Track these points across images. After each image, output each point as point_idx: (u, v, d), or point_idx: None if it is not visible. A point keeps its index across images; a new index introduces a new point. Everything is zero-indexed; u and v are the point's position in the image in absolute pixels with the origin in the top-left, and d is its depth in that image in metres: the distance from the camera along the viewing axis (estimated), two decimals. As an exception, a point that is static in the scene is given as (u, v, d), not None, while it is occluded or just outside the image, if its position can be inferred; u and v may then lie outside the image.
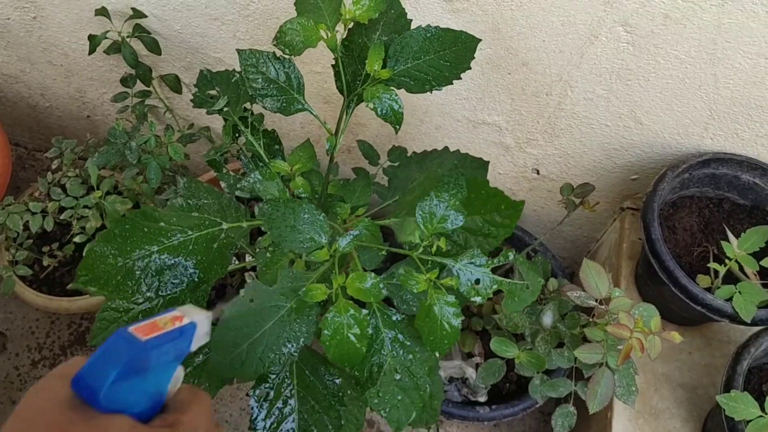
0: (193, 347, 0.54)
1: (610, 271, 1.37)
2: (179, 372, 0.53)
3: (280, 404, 0.84)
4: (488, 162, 1.12)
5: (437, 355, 0.81)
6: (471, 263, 0.75)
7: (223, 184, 0.98)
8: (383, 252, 0.80)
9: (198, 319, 0.55)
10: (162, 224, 0.79)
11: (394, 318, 0.82)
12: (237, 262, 1.09)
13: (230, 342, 0.75)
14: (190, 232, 0.80)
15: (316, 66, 1.22)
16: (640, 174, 1.27)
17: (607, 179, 1.31)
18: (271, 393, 0.84)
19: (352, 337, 0.73)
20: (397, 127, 0.84)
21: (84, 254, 0.79)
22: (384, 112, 0.82)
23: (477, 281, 0.74)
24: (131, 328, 0.50)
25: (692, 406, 1.17)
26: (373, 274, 0.75)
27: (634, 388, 0.94)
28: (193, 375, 0.90)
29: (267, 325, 0.74)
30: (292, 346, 0.75)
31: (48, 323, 1.62)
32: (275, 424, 0.83)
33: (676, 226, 1.17)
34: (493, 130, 1.25)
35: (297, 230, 0.75)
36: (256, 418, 0.82)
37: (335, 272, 0.75)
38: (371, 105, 0.82)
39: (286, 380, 0.85)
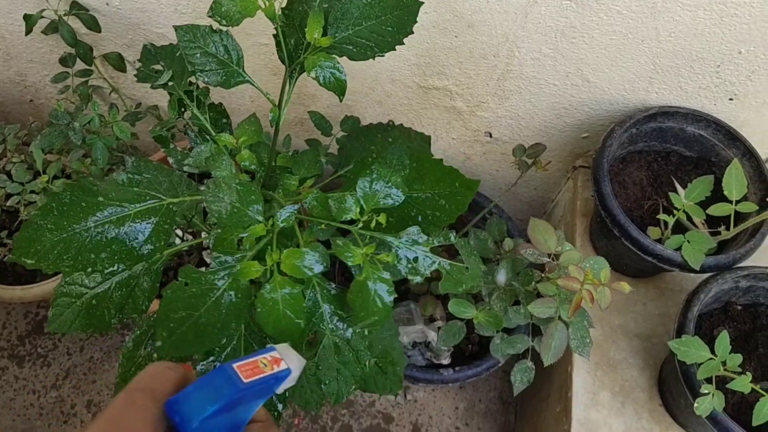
0: (279, 391, 0.55)
1: (565, 229, 1.39)
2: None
3: (226, 377, 0.84)
4: (430, 137, 1.13)
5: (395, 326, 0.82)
6: (411, 241, 0.75)
7: (170, 160, 0.97)
8: (322, 226, 0.79)
9: (294, 366, 0.56)
10: (100, 198, 0.78)
11: (333, 292, 0.82)
12: (191, 239, 1.08)
13: (172, 325, 0.74)
14: (129, 207, 0.79)
15: (261, 38, 1.20)
16: (591, 132, 1.28)
17: (559, 139, 1.32)
18: (217, 365, 0.84)
19: (289, 313, 0.73)
20: (341, 96, 0.83)
21: (21, 228, 0.77)
22: (326, 80, 0.81)
23: (415, 259, 0.75)
24: (235, 365, 0.52)
25: (648, 354, 1.20)
26: (311, 251, 0.75)
27: (588, 340, 0.96)
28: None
29: (203, 307, 0.74)
30: (233, 325, 0.75)
31: (3, 314, 1.59)
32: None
33: (626, 180, 1.19)
34: (443, 95, 1.25)
35: (234, 207, 0.74)
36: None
37: (271, 248, 0.75)
38: (313, 74, 0.81)
39: (234, 353, 0.85)
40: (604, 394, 1.17)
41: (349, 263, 0.74)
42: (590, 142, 1.30)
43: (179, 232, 1.30)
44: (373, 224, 0.74)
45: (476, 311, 1.04)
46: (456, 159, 1.44)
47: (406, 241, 0.76)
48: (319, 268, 0.74)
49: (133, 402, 0.47)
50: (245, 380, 0.51)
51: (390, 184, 0.74)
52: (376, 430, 1.50)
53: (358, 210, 0.74)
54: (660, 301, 1.25)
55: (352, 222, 0.76)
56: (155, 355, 0.96)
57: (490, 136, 1.35)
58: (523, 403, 1.56)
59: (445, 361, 1.27)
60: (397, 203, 0.74)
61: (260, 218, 0.75)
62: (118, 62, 1.26)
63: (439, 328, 1.27)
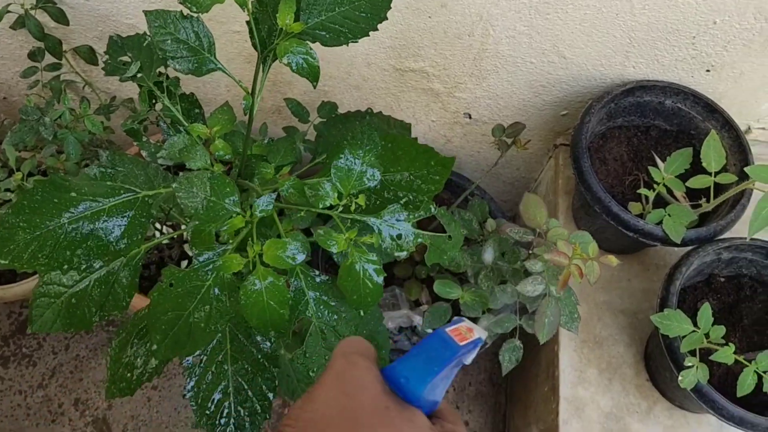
0: (468, 361, 0.55)
1: (548, 208, 1.39)
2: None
3: (213, 369, 0.84)
4: (410, 124, 1.12)
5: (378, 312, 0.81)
6: (392, 219, 0.74)
7: (144, 153, 0.95)
8: (301, 214, 0.79)
9: (482, 335, 0.56)
10: (73, 194, 0.76)
11: (317, 280, 0.82)
12: (171, 232, 1.07)
13: (164, 327, 0.74)
14: (103, 201, 0.78)
15: (234, 25, 1.18)
16: (569, 109, 1.28)
17: (538, 117, 1.31)
18: (204, 358, 0.83)
19: (273, 304, 0.73)
20: (314, 82, 0.82)
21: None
22: (299, 66, 0.80)
23: (399, 236, 0.74)
24: (447, 330, 0.52)
25: (634, 330, 1.21)
26: (292, 241, 0.74)
27: (576, 315, 0.96)
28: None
29: (191, 306, 0.73)
30: (222, 320, 0.74)
31: (-13, 315, 1.58)
32: (209, 390, 0.83)
33: (606, 157, 1.19)
34: (420, 77, 1.24)
35: (209, 201, 0.73)
36: (187, 384, 0.82)
37: (251, 240, 0.74)
38: (285, 60, 0.80)
39: (219, 345, 0.84)
40: (591, 371, 1.17)
41: (333, 251, 0.73)
42: (570, 120, 1.30)
43: (158, 225, 1.29)
44: (353, 207, 0.74)
45: (462, 291, 1.04)
46: (437, 142, 1.43)
47: (389, 219, 0.75)
48: (301, 258, 0.74)
49: (355, 363, 0.48)
50: (460, 343, 0.51)
51: (364, 164, 0.73)
52: (366, 416, 1.50)
53: (336, 195, 0.73)
54: (644, 277, 1.25)
55: (332, 207, 0.75)
56: (138, 360, 0.96)
57: (470, 117, 1.34)
58: (513, 384, 1.56)
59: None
60: (374, 183, 0.73)
61: (237, 210, 0.74)
62: (89, 55, 1.24)
63: (425, 312, 1.26)
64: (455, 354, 0.50)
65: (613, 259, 0.89)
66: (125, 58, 0.98)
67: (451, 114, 1.34)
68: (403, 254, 0.74)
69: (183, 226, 1.18)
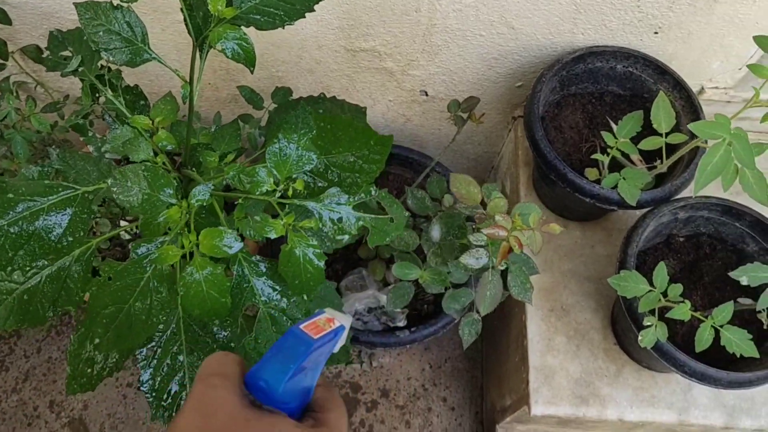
0: (336, 349, 0.56)
1: (510, 181, 1.39)
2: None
3: (168, 361, 0.83)
4: (365, 108, 1.11)
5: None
6: (332, 202, 0.74)
7: (90, 148, 0.94)
8: (240, 200, 0.78)
9: (345, 323, 0.57)
10: (10, 195, 0.75)
11: (261, 266, 0.82)
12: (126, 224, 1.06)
13: (105, 321, 0.74)
14: (41, 200, 0.77)
15: (178, 15, 1.16)
16: (524, 80, 1.28)
17: (494, 90, 1.31)
18: (159, 351, 0.83)
19: (213, 293, 0.72)
20: (251, 67, 0.81)
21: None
22: (234, 52, 0.79)
23: (340, 219, 0.74)
24: (301, 326, 0.53)
25: (600, 296, 1.21)
26: (227, 230, 0.74)
27: (528, 285, 0.96)
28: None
29: (131, 299, 0.72)
30: (163, 311, 0.74)
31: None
32: (164, 382, 0.82)
33: (562, 125, 1.19)
34: (372, 57, 1.24)
35: (144, 194, 0.72)
36: (142, 376, 0.82)
37: (186, 230, 0.73)
38: (219, 47, 0.79)
39: (174, 336, 0.84)
40: (559, 338, 1.18)
41: (272, 237, 0.73)
42: (525, 91, 1.30)
43: (123, 222, 1.28)
44: (290, 192, 0.73)
45: (421, 271, 1.04)
46: (396, 122, 1.43)
47: (329, 203, 0.75)
48: (237, 246, 0.73)
49: (213, 385, 0.49)
50: (314, 337, 0.52)
51: (299, 148, 0.72)
52: (345, 399, 1.50)
53: (272, 180, 0.73)
54: (608, 243, 1.26)
55: (267, 192, 0.75)
56: (98, 356, 0.95)
57: (426, 95, 1.34)
58: (487, 358, 1.57)
59: (401, 324, 1.27)
60: (309, 167, 0.72)
61: (173, 201, 0.73)
62: (36, 54, 1.22)
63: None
64: (310, 348, 0.51)
65: (555, 227, 0.89)
66: (67, 53, 0.96)
67: (407, 92, 1.33)
68: (346, 238, 0.74)
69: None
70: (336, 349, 0.57)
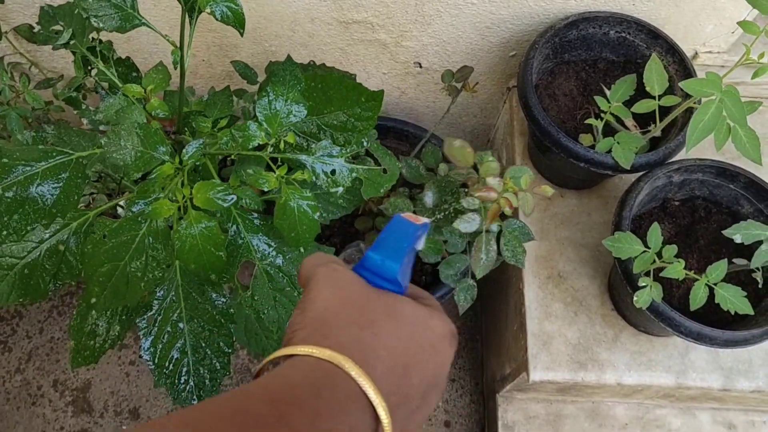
0: (419, 246, 0.57)
1: (506, 152, 1.39)
2: None
3: (169, 329, 0.84)
4: (354, 75, 1.11)
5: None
6: (324, 155, 0.74)
7: (85, 121, 0.95)
8: (233, 156, 0.78)
9: (427, 222, 0.58)
10: (5, 160, 0.76)
11: (256, 222, 0.82)
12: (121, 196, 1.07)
13: (101, 279, 0.74)
14: (36, 165, 0.77)
15: (170, -11, 1.17)
16: (518, 50, 1.28)
17: (488, 60, 1.31)
18: (159, 319, 0.83)
19: (209, 247, 0.73)
20: (241, 30, 0.81)
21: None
22: (223, 15, 0.79)
23: (333, 172, 0.74)
24: (403, 215, 0.54)
25: (597, 263, 1.22)
26: (219, 182, 0.74)
27: (520, 249, 0.96)
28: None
29: (127, 256, 0.73)
30: (159, 268, 0.74)
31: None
32: (165, 349, 0.83)
33: (556, 93, 1.19)
34: (365, 28, 1.23)
35: (137, 151, 0.73)
36: (144, 344, 0.82)
37: (179, 185, 0.74)
38: (208, 9, 0.79)
39: (173, 304, 0.84)
40: (556, 305, 1.18)
41: (265, 189, 0.73)
42: (519, 61, 1.29)
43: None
44: (282, 145, 0.73)
45: (417, 238, 1.04)
46: (391, 95, 1.43)
47: (321, 155, 0.75)
48: (231, 199, 0.74)
49: (335, 268, 0.49)
50: (417, 223, 0.53)
51: (288, 100, 0.73)
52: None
53: (263, 134, 0.73)
54: (604, 210, 1.26)
55: (262, 148, 0.75)
56: (100, 328, 0.96)
57: (420, 66, 1.34)
58: (486, 330, 1.58)
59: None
60: (300, 119, 0.73)
61: (166, 158, 0.74)
62: (29, 33, 1.22)
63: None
64: (416, 231, 0.52)
65: (547, 189, 0.89)
66: (58, 27, 0.96)
67: (401, 65, 1.33)
68: (339, 189, 0.74)
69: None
70: (420, 247, 0.57)
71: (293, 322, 0.46)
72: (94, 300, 0.75)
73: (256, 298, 0.80)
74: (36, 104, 1.02)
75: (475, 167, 0.98)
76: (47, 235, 0.91)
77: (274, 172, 0.73)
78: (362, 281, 0.48)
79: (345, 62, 1.33)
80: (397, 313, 0.47)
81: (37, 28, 0.99)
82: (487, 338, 1.56)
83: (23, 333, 1.52)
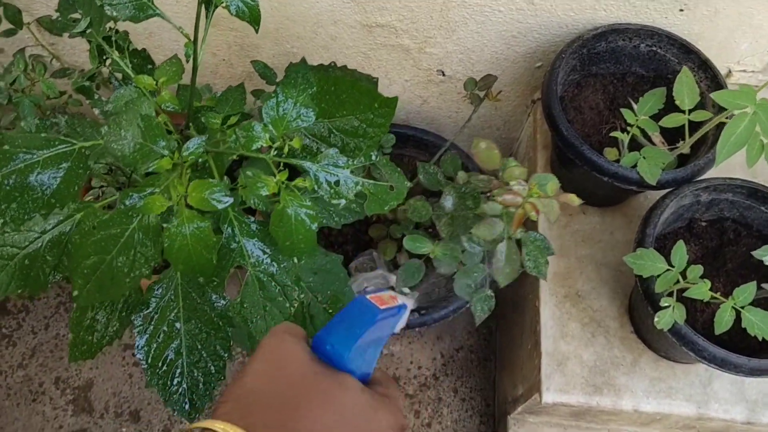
0: (396, 330, 0.56)
1: (528, 165, 1.36)
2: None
3: (165, 328, 0.81)
4: (377, 78, 1.08)
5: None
6: (330, 164, 0.71)
7: (96, 112, 0.93)
8: (234, 156, 0.76)
9: (408, 303, 0.57)
10: (6, 147, 0.74)
11: (252, 227, 0.79)
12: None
13: (86, 271, 0.72)
14: (38, 153, 0.75)
15: (192, -15, 1.15)
16: (544, 61, 1.24)
17: (513, 71, 1.28)
18: (156, 317, 0.81)
19: (200, 248, 0.70)
20: (256, 26, 0.79)
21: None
22: (238, 10, 0.76)
23: (337, 182, 0.71)
24: (369, 296, 0.53)
25: (617, 283, 1.17)
26: (218, 182, 0.72)
27: (543, 260, 0.92)
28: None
29: (114, 249, 0.70)
30: (147, 265, 0.72)
31: (-34, 299, 1.56)
32: (160, 349, 0.80)
33: (582, 106, 1.16)
34: (389, 33, 1.21)
35: (137, 143, 0.70)
36: (138, 342, 0.79)
37: (175, 181, 0.71)
38: (224, 3, 0.77)
39: (171, 303, 0.82)
40: (573, 325, 1.14)
41: (263, 193, 0.70)
42: (544, 73, 1.26)
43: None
44: (286, 149, 0.71)
45: (432, 246, 1.01)
46: (413, 103, 1.40)
47: (326, 164, 0.72)
48: (227, 201, 0.71)
49: (285, 339, 0.49)
50: (380, 307, 0.52)
51: (297, 104, 0.70)
52: (353, 386, 1.47)
53: (267, 136, 0.70)
54: (628, 229, 1.22)
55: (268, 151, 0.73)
56: (99, 324, 0.94)
57: (443, 75, 1.31)
58: (501, 349, 1.53)
59: (411, 306, 1.24)
60: (308, 123, 0.70)
61: (166, 152, 0.71)
62: (50, 25, 1.21)
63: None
64: (375, 317, 0.51)
65: (574, 198, 0.85)
66: (75, 15, 0.95)
67: (424, 72, 1.31)
68: (342, 202, 0.71)
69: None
70: (397, 330, 0.56)
71: (224, 391, 0.46)
72: (76, 293, 0.73)
73: (245, 305, 0.77)
74: (51, 93, 1.00)
75: (495, 175, 0.94)
76: (50, 226, 0.89)
77: (275, 177, 0.70)
78: (307, 359, 0.48)
79: (367, 67, 1.31)
80: (333, 399, 0.46)
81: (55, 15, 0.98)
82: (502, 358, 1.51)
83: (29, 328, 1.51)
